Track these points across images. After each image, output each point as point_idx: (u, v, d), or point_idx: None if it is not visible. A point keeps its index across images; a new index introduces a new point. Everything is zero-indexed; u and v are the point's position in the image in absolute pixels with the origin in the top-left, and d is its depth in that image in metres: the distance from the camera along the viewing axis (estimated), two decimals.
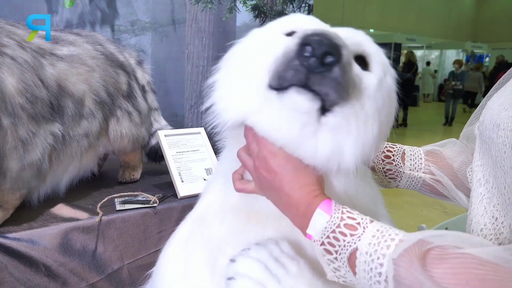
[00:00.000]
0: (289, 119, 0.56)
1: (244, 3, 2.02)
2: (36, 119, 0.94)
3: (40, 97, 0.95)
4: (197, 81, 1.97)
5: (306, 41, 0.52)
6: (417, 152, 0.86)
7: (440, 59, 17.18)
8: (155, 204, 1.12)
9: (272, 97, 0.57)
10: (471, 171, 0.80)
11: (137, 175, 1.38)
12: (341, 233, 0.54)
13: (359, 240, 0.53)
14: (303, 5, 2.22)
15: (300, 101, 0.54)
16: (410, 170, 0.85)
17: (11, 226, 0.95)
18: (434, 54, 17.19)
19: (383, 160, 0.86)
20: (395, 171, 0.85)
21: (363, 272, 0.52)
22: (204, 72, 1.97)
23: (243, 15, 2.04)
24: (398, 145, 0.88)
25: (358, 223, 0.54)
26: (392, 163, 0.85)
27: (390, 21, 17.42)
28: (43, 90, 0.97)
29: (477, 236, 0.63)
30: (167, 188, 1.27)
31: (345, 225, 0.54)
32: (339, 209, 0.56)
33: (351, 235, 0.53)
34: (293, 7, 2.20)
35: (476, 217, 0.65)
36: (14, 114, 0.89)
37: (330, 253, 0.55)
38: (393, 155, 0.86)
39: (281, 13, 2.16)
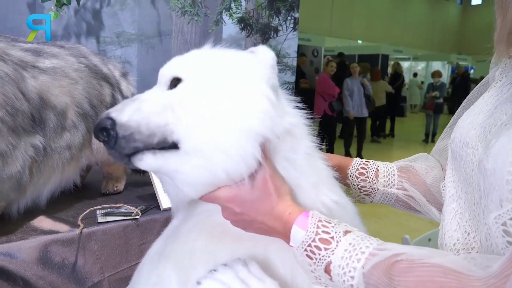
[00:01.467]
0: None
1: (230, 15, 2.04)
2: (16, 132, 0.94)
3: (21, 109, 0.95)
4: None
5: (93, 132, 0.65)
6: (390, 168, 0.89)
7: (426, 71, 17.46)
8: (137, 216, 1.11)
9: None
10: (444, 186, 0.82)
11: (121, 186, 1.38)
12: (316, 247, 0.57)
13: (332, 254, 0.56)
14: (289, 18, 2.25)
15: (136, 164, 0.63)
16: (384, 186, 0.87)
17: None
18: (420, 66, 17.47)
19: (357, 177, 0.88)
20: (369, 188, 0.87)
21: (338, 282, 0.55)
22: None
23: (229, 27, 2.06)
24: (372, 162, 0.90)
25: (332, 237, 0.57)
26: (366, 180, 0.87)
27: (377, 33, 17.71)
28: (24, 103, 0.97)
29: (450, 250, 0.65)
30: (150, 200, 1.27)
31: (319, 239, 0.57)
32: (314, 223, 0.59)
33: (325, 249, 0.57)
34: (279, 20, 2.23)
35: (449, 231, 0.67)
36: None
37: (310, 264, 0.58)
38: (367, 172, 0.88)
39: (267, 26, 2.19)
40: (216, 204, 0.65)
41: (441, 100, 8.71)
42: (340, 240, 0.56)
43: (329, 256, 0.56)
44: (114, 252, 1.07)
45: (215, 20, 2.02)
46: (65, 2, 1.46)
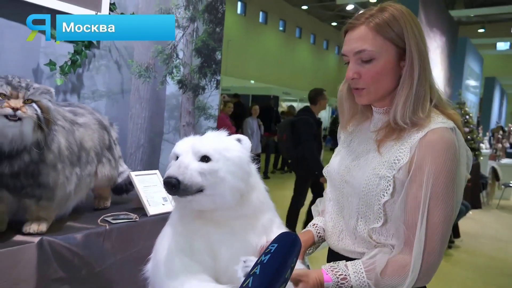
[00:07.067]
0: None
1: (172, 78, 2.75)
2: (72, 165, 1.52)
3: (74, 150, 1.53)
4: (137, 135, 2.59)
5: (164, 183, 1.06)
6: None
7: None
8: (137, 219, 1.72)
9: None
10: (325, 196, 1.38)
11: (108, 203, 1.94)
12: (341, 284, 1.03)
13: (350, 282, 1.02)
14: (213, 79, 3.03)
15: (182, 198, 1.09)
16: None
17: (51, 232, 1.48)
18: None
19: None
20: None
21: None
22: (142, 128, 2.61)
23: (171, 86, 2.76)
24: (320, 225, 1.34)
25: (345, 276, 1.03)
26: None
27: (268, 75, 19.45)
28: (74, 146, 1.55)
29: (331, 229, 1.20)
30: (135, 211, 1.86)
31: (341, 279, 1.03)
32: (334, 275, 1.03)
33: (346, 280, 1.03)
34: (205, 81, 2.99)
35: (330, 222, 1.22)
36: (63, 161, 1.46)
37: None
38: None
39: (197, 85, 2.93)
40: None
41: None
42: (348, 275, 1.02)
43: (350, 284, 1.02)
44: (123, 241, 1.66)
45: (161, 81, 2.70)
46: (67, 71, 2.03)
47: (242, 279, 0.92)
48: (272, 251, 0.87)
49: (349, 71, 1.09)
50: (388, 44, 1.05)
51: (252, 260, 0.98)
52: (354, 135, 1.25)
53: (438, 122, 1.04)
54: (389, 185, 1.05)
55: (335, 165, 1.23)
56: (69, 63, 2.05)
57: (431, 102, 1.09)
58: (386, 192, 1.05)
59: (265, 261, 0.85)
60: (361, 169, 1.12)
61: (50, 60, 2.00)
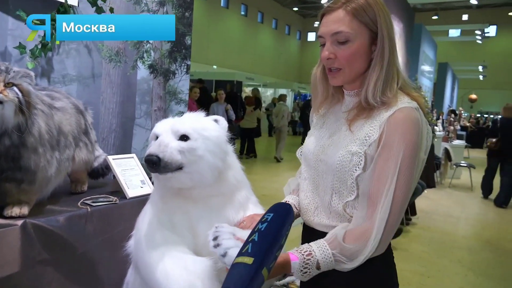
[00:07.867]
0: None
1: (143, 63, 2.75)
2: (52, 148, 1.53)
3: (53, 134, 1.54)
4: (108, 120, 2.58)
5: (145, 161, 1.13)
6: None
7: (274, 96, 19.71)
8: (117, 202, 1.76)
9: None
10: (300, 176, 1.46)
11: (85, 187, 1.95)
12: (307, 260, 1.05)
13: (316, 257, 1.05)
14: (183, 64, 3.05)
15: (163, 175, 1.16)
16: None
17: (33, 215, 1.49)
18: (269, 92, 19.68)
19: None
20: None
21: (325, 265, 1.06)
22: (114, 113, 2.61)
23: (142, 71, 2.76)
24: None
25: (310, 252, 1.05)
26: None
27: (231, 60, 19.37)
28: (54, 130, 1.55)
29: (307, 206, 1.24)
30: (112, 195, 1.89)
31: (306, 255, 1.05)
32: (298, 252, 1.06)
33: (311, 255, 1.05)
34: (175, 65, 3.01)
35: (306, 199, 1.26)
36: (44, 145, 1.47)
37: (306, 272, 1.04)
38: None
39: (168, 70, 2.94)
40: None
41: None
42: (313, 250, 1.05)
43: (316, 259, 1.04)
44: (105, 222, 1.70)
45: (132, 66, 2.69)
46: (37, 55, 2.00)
47: (212, 242, 0.99)
48: (268, 219, 0.96)
49: (325, 51, 1.18)
50: (362, 28, 1.14)
51: (224, 226, 1.04)
52: (326, 117, 1.34)
53: (405, 102, 1.15)
54: (361, 160, 1.15)
55: (310, 146, 1.29)
56: (39, 46, 2.02)
57: (397, 84, 1.20)
58: (358, 167, 1.16)
59: (262, 229, 0.93)
60: (335, 147, 1.22)
61: (19, 43, 1.97)
